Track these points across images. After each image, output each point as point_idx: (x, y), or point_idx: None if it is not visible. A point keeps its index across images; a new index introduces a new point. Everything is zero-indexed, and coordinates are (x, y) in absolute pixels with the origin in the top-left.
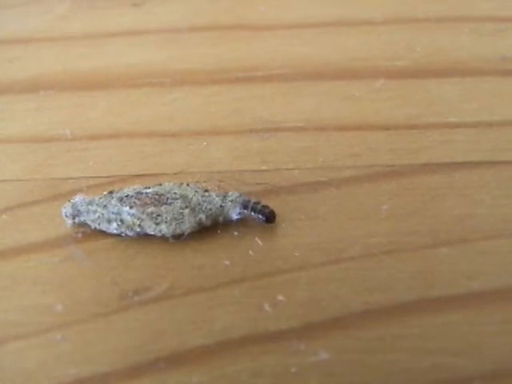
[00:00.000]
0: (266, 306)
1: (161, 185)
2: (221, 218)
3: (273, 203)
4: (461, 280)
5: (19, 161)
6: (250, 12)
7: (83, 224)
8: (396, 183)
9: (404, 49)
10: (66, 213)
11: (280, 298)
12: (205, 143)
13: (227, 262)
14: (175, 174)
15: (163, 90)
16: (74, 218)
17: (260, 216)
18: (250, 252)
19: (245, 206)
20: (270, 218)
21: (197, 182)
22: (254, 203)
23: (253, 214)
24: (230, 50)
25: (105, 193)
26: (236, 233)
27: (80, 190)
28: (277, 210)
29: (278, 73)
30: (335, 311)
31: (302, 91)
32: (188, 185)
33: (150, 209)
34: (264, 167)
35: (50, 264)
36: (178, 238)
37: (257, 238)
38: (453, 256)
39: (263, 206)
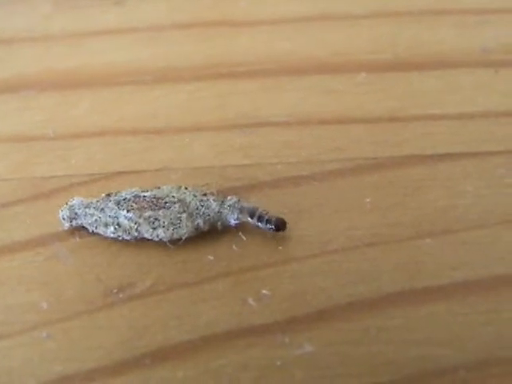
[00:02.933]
0: (251, 301)
1: (159, 188)
2: (219, 224)
3: (255, 198)
4: (444, 271)
5: (2, 160)
6: (232, 8)
7: (80, 227)
8: (379, 176)
9: (386, 42)
10: (63, 216)
11: (264, 292)
12: (188, 139)
13: (211, 257)
14: (158, 170)
15: (146, 87)
16: (71, 221)
17: (269, 225)
18: (234, 247)
19: (251, 215)
20: (279, 226)
21: (204, 186)
22: (262, 212)
23: (260, 224)
24: (213, 46)
25: (103, 195)
26: (220, 228)
27: (63, 189)
28: (259, 205)
29: (261, 68)
30: (319, 304)
31: (284, 86)
32: (186, 188)
33: (148, 213)
34: (247, 162)
35: (34, 263)
36: (176, 242)
37: (240, 233)
38: (436, 247)
39: (272, 216)
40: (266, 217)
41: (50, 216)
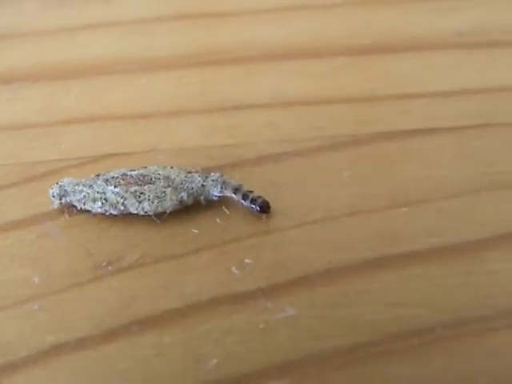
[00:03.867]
0: (234, 269)
1: (146, 167)
2: (202, 198)
3: (239, 175)
4: (421, 237)
5: None
6: (216, 0)
7: (69, 205)
8: (357, 151)
9: (363, 28)
10: (53, 193)
11: (247, 261)
12: (174, 122)
13: (196, 231)
14: (145, 151)
15: (133, 75)
16: (60, 199)
17: (253, 205)
18: (218, 220)
19: (235, 191)
20: (264, 207)
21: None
22: (247, 191)
23: (243, 201)
24: (197, 36)
25: (92, 175)
26: (204, 202)
27: (54, 172)
28: (242, 181)
29: (244, 55)
30: (300, 271)
31: (267, 71)
32: (172, 167)
33: (134, 188)
34: (230, 142)
35: (26, 240)
36: (161, 216)
37: (224, 207)
38: (412, 215)
39: (257, 196)
40: (251, 196)
41: (41, 197)
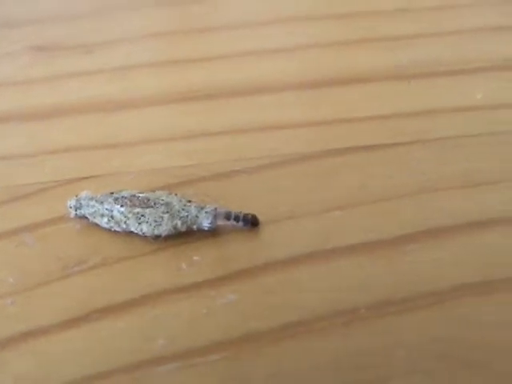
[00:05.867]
0: (184, 265)
1: (154, 192)
2: (195, 226)
3: (193, 189)
4: (350, 234)
5: None
6: (185, 49)
7: (83, 216)
8: (303, 166)
9: (314, 67)
10: (70, 205)
11: (195, 258)
12: (141, 149)
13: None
14: (115, 173)
15: (108, 113)
16: (76, 210)
17: (244, 223)
18: None
19: (228, 217)
20: (253, 221)
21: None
22: (236, 213)
23: (235, 222)
24: (164, 80)
25: (107, 192)
26: (196, 230)
27: (34, 193)
28: (198, 194)
29: (204, 94)
30: (242, 264)
31: (225, 106)
32: (176, 195)
33: (137, 209)
34: (189, 163)
35: (6, 249)
36: (157, 238)
37: None
38: (344, 217)
39: (245, 214)
40: (241, 216)
41: (23, 213)
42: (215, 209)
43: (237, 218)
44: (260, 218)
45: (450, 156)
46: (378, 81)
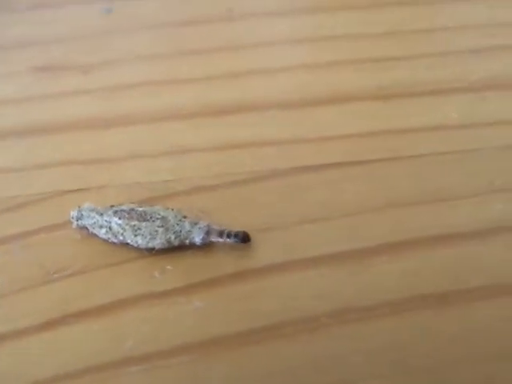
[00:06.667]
0: (156, 274)
1: (152, 206)
2: (187, 241)
3: (173, 202)
4: (317, 246)
5: None
6: (174, 70)
7: (83, 227)
8: (275, 182)
9: (297, 87)
10: (72, 215)
11: (168, 267)
12: (125, 165)
13: (130, 247)
14: (99, 187)
15: (98, 131)
16: (77, 221)
17: (236, 239)
18: None
19: (220, 235)
20: (245, 238)
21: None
22: (229, 230)
23: (228, 239)
24: (155, 99)
25: (108, 205)
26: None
27: (21, 205)
28: (175, 206)
29: (188, 112)
30: (212, 274)
31: (207, 124)
32: (172, 210)
33: (134, 222)
34: (169, 178)
35: None
36: (151, 251)
37: None
38: (313, 230)
39: (237, 231)
40: (233, 233)
41: (13, 223)
42: (208, 225)
43: (229, 235)
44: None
45: (420, 173)
46: (358, 101)
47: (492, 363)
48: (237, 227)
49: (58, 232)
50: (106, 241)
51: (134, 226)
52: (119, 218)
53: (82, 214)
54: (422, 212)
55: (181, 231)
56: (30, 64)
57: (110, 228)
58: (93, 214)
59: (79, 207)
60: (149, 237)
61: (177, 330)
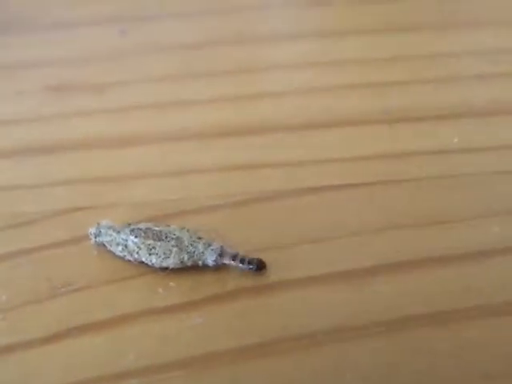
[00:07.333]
0: (160, 290)
1: (168, 226)
2: (200, 262)
3: (180, 220)
4: (317, 266)
5: None
6: (186, 92)
7: (101, 244)
8: (277, 203)
9: (304, 110)
10: (90, 232)
11: (171, 284)
12: (133, 184)
13: (135, 263)
14: (108, 205)
15: (108, 150)
16: (95, 237)
17: (251, 266)
18: None
19: (233, 258)
20: (260, 266)
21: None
22: (243, 255)
23: (241, 265)
24: (165, 120)
25: (126, 224)
26: (201, 266)
27: (33, 221)
28: (179, 224)
29: (195, 133)
30: (212, 291)
31: (213, 145)
32: (188, 230)
33: (149, 241)
34: (175, 197)
35: (2, 270)
36: (164, 270)
37: None
38: (313, 250)
39: (251, 258)
40: (248, 259)
41: (22, 238)
42: (221, 247)
43: (242, 261)
44: (237, 249)
45: (420, 196)
46: (362, 124)
47: (484, 381)
48: (238, 246)
49: (66, 248)
50: (121, 258)
51: (149, 245)
52: (135, 237)
53: (100, 231)
54: (419, 234)
55: (194, 252)
56: (44, 83)
57: (126, 246)
58: (110, 232)
59: (98, 224)
60: (163, 256)
61: (176, 345)
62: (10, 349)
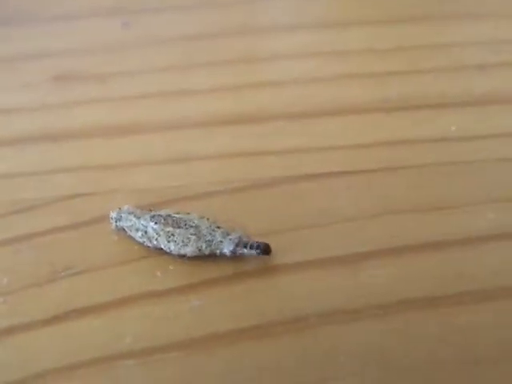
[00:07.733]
0: (158, 273)
1: (189, 214)
2: (217, 251)
3: (178, 205)
4: (314, 251)
5: None
6: (187, 82)
7: (121, 229)
8: (275, 190)
9: (304, 99)
10: (111, 216)
11: (171, 267)
12: (136, 170)
13: (136, 247)
14: (108, 192)
15: (110, 138)
16: (116, 222)
17: (258, 251)
18: None
19: (245, 246)
20: (266, 250)
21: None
22: (252, 241)
23: (248, 250)
24: (166, 109)
25: (147, 210)
26: (219, 255)
27: (36, 207)
28: (178, 209)
29: (196, 122)
30: (210, 275)
31: (214, 133)
32: (208, 219)
33: (168, 228)
34: (175, 184)
35: (4, 255)
36: (182, 257)
37: None
38: (311, 235)
39: (258, 242)
40: (255, 244)
41: (24, 223)
42: (239, 236)
43: (251, 247)
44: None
45: (418, 182)
46: (362, 112)
47: (476, 365)
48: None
49: (68, 233)
50: (141, 244)
51: (169, 232)
52: (155, 223)
53: (121, 216)
54: (415, 220)
55: (212, 241)
56: (47, 74)
57: (146, 232)
58: (131, 217)
59: (119, 209)
60: (181, 244)
61: (175, 327)
62: (10, 331)
